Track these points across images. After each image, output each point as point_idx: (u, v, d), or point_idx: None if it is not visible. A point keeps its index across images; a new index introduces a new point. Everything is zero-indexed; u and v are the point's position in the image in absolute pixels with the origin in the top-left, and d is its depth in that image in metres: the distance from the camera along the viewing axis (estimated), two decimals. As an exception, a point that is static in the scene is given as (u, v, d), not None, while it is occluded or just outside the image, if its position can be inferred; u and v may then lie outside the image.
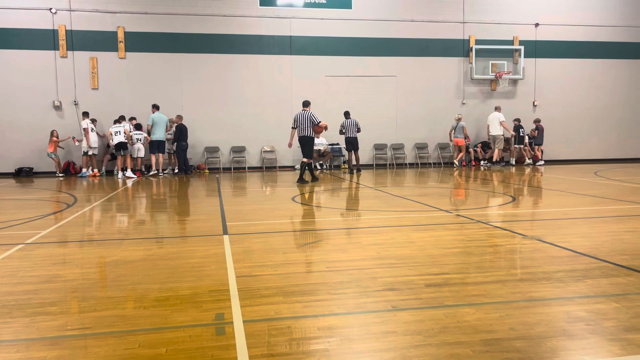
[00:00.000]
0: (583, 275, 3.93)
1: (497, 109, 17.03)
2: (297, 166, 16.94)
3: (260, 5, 16.59)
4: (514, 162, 17.46)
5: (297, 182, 11.98)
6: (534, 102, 18.21)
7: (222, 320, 3.07)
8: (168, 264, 4.50)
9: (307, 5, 16.84)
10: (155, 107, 15.12)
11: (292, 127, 12.23)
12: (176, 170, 15.57)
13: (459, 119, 16.90)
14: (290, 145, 12.49)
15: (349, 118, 14.90)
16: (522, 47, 17.90)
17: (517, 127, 17.16)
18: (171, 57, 16.22)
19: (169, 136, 15.50)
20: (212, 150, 16.66)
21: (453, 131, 16.86)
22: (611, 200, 8.44)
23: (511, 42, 18.04)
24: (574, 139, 18.28)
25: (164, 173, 15.32)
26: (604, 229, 5.95)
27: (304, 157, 12.05)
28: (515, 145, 17.37)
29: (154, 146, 14.88)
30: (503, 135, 16.78)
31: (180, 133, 15.16)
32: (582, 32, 18.37)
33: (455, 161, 16.97)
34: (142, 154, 14.80)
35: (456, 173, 14.73)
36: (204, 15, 16.28)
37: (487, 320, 3.00)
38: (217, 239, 5.52)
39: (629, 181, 11.45)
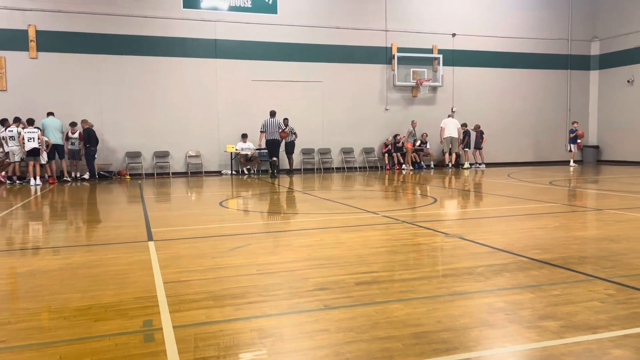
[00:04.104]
0: (501, 269, 4.17)
1: (452, 115, 18.14)
2: (224, 171, 16.77)
3: (184, 7, 16.24)
4: (468, 165, 18.43)
5: (271, 177, 14.96)
6: (452, 109, 19.06)
7: (151, 327, 2.96)
8: (89, 272, 4.28)
9: (232, 9, 16.68)
10: (50, 114, 14.44)
11: (261, 131, 15.14)
12: (86, 176, 14.84)
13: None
14: (260, 146, 15.66)
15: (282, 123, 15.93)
16: (440, 56, 18.74)
17: (466, 132, 18.37)
18: (88, 58, 15.47)
19: (74, 141, 14.77)
20: (134, 156, 16.04)
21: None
22: (523, 199, 9.01)
23: (431, 51, 18.83)
24: (489, 143, 19.31)
25: (71, 179, 14.63)
26: (518, 226, 6.35)
27: (272, 156, 15.08)
28: (466, 149, 18.49)
29: (50, 151, 14.15)
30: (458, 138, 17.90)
31: (88, 138, 14.50)
32: (495, 43, 19.51)
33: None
34: (45, 159, 13.96)
35: (386, 176, 15.13)
36: (124, 16, 15.68)
37: (415, 315, 3.10)
38: (142, 246, 5.32)
39: (539, 182, 12.28)
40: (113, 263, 4.60)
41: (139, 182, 14.34)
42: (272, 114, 15.09)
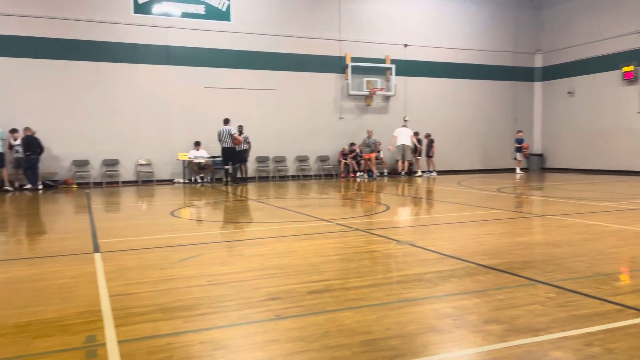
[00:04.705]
0: (449, 275, 4.27)
1: (405, 124, 18.33)
2: (177, 179, 16.47)
3: (135, 12, 15.91)
4: (420, 173, 18.73)
5: (231, 183, 15.37)
6: (404, 118, 19.43)
7: (94, 343, 2.87)
8: (31, 286, 4.11)
9: (184, 15, 16.48)
10: None
11: (218, 140, 15.19)
12: (28, 186, 14.25)
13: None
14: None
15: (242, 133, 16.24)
16: (393, 66, 19.11)
17: (419, 141, 18.78)
18: (32, 63, 14.89)
19: (19, 148, 14.20)
20: (81, 164, 15.53)
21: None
22: (472, 206, 9.27)
23: (383, 61, 19.17)
24: (440, 152, 19.77)
25: (13, 188, 14.07)
26: (467, 233, 6.52)
27: (226, 164, 15.32)
28: (418, 157, 18.80)
29: None
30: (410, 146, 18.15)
31: (28, 145, 13.94)
32: (446, 54, 20.07)
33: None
34: None
35: (341, 184, 15.24)
36: (71, 20, 15.20)
37: (365, 322, 3.13)
38: (88, 258, 5.15)
39: (487, 189, 12.67)
40: (57, 276, 4.43)
41: (87, 191, 13.88)
42: (225, 121, 15.29)
